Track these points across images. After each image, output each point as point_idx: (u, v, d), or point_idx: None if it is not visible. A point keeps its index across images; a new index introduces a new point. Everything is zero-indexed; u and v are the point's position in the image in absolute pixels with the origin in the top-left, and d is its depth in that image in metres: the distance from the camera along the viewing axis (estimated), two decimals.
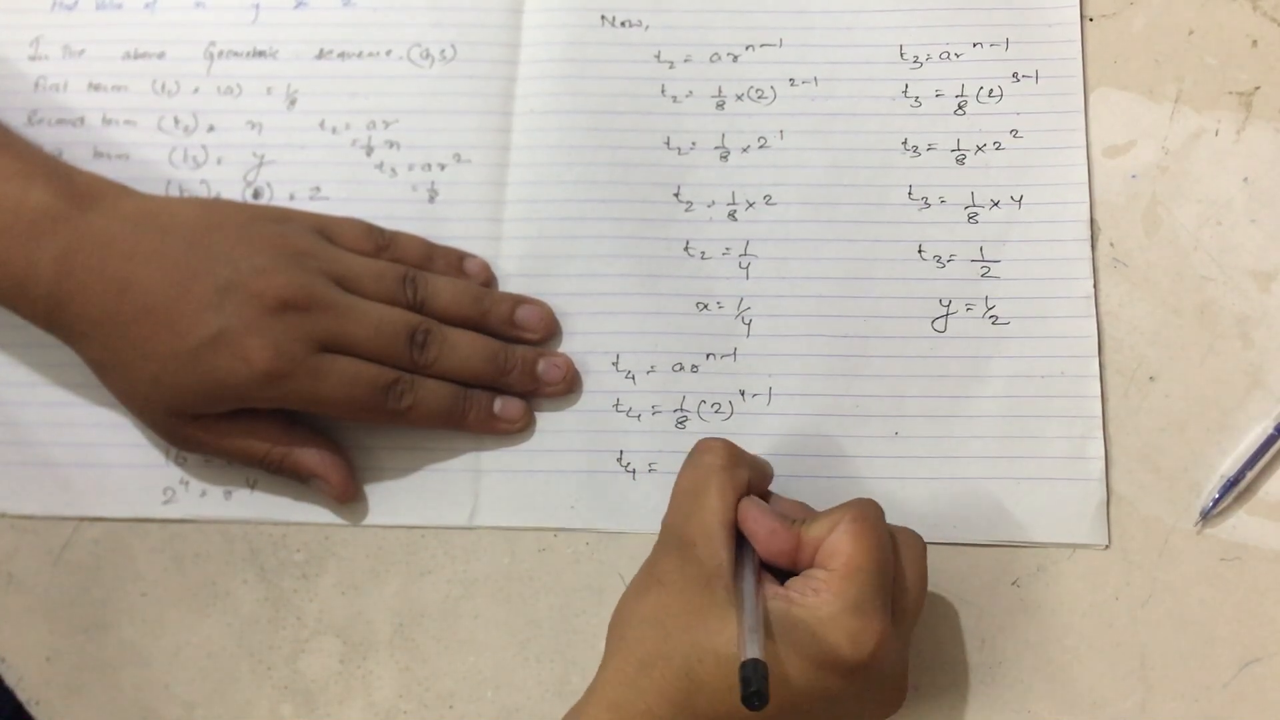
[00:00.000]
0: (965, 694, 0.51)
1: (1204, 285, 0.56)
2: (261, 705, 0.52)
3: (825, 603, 0.44)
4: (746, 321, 0.57)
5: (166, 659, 0.53)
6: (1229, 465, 0.53)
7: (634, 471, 0.55)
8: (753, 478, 0.48)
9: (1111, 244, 0.57)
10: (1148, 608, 0.52)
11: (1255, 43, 0.59)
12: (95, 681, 0.53)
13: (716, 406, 0.55)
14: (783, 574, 0.46)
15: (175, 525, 0.55)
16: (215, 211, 0.54)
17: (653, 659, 0.44)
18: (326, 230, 0.55)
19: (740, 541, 0.47)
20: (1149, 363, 0.55)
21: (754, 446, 0.53)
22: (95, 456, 0.56)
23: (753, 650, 0.41)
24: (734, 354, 0.56)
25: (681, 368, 0.56)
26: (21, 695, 0.53)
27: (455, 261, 0.57)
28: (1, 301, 0.53)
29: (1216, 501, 0.53)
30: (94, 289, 0.51)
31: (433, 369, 0.53)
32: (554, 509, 0.54)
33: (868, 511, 0.46)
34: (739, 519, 0.47)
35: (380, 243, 0.56)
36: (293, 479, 0.54)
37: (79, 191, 0.53)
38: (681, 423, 0.55)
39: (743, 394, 0.56)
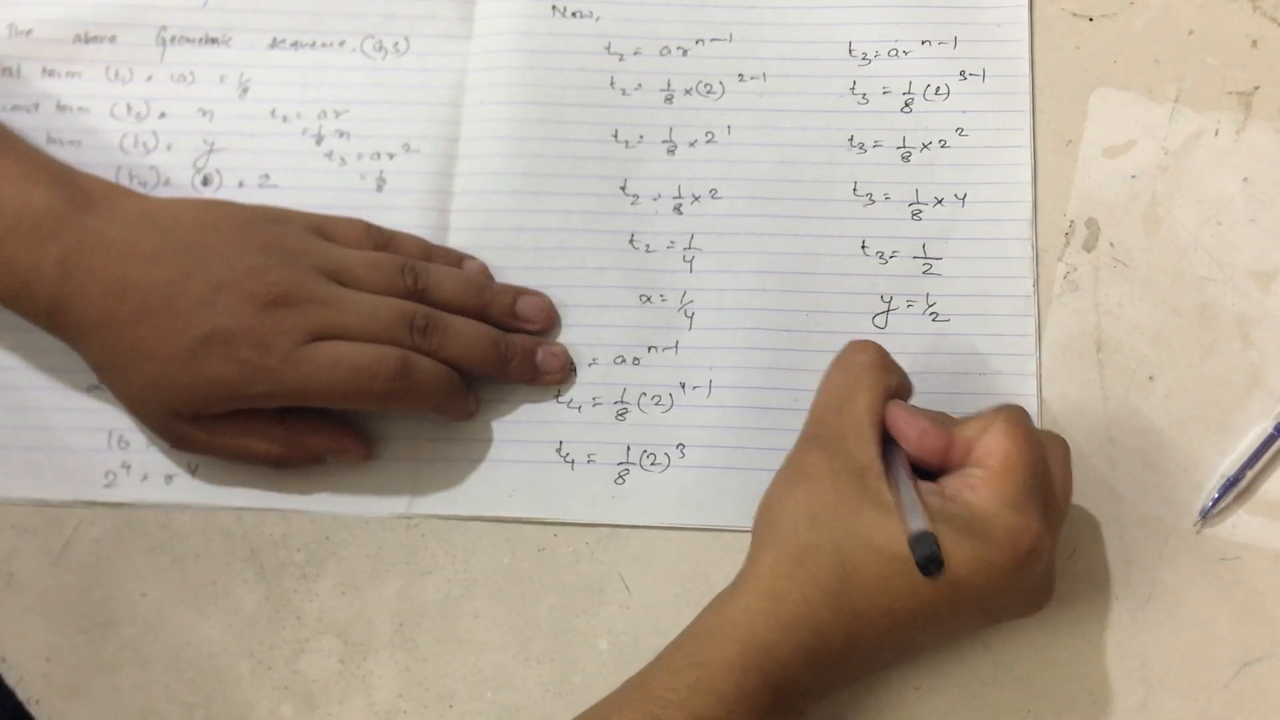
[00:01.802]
0: (965, 694, 0.51)
1: (1204, 285, 0.56)
2: (261, 705, 0.52)
3: (983, 499, 0.45)
4: (689, 314, 0.57)
5: (166, 659, 0.53)
6: (1229, 465, 0.53)
7: (573, 462, 0.55)
8: (899, 383, 0.49)
9: (1111, 244, 0.57)
10: (1148, 608, 0.52)
11: (1255, 43, 0.59)
12: (95, 681, 0.53)
13: (657, 399, 0.56)
14: (926, 476, 0.48)
15: (176, 525, 0.55)
16: (213, 212, 0.54)
17: (806, 551, 0.46)
18: (324, 229, 0.55)
19: (886, 441, 0.48)
20: (1149, 363, 0.55)
21: (694, 439, 0.55)
22: (38, 440, 0.56)
23: (917, 524, 0.42)
24: (675, 346, 0.56)
25: (623, 360, 0.56)
26: (21, 695, 0.53)
27: (455, 260, 0.57)
28: (4, 303, 0.53)
29: (1216, 501, 0.53)
30: (93, 290, 0.51)
31: (437, 355, 0.53)
32: (492, 498, 0.55)
33: (1020, 415, 0.47)
34: (888, 421, 0.48)
35: (379, 240, 0.56)
36: (307, 465, 0.54)
37: (81, 193, 0.53)
38: (621, 415, 0.56)
39: (683, 386, 0.56)
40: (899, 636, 0.46)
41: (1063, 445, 0.49)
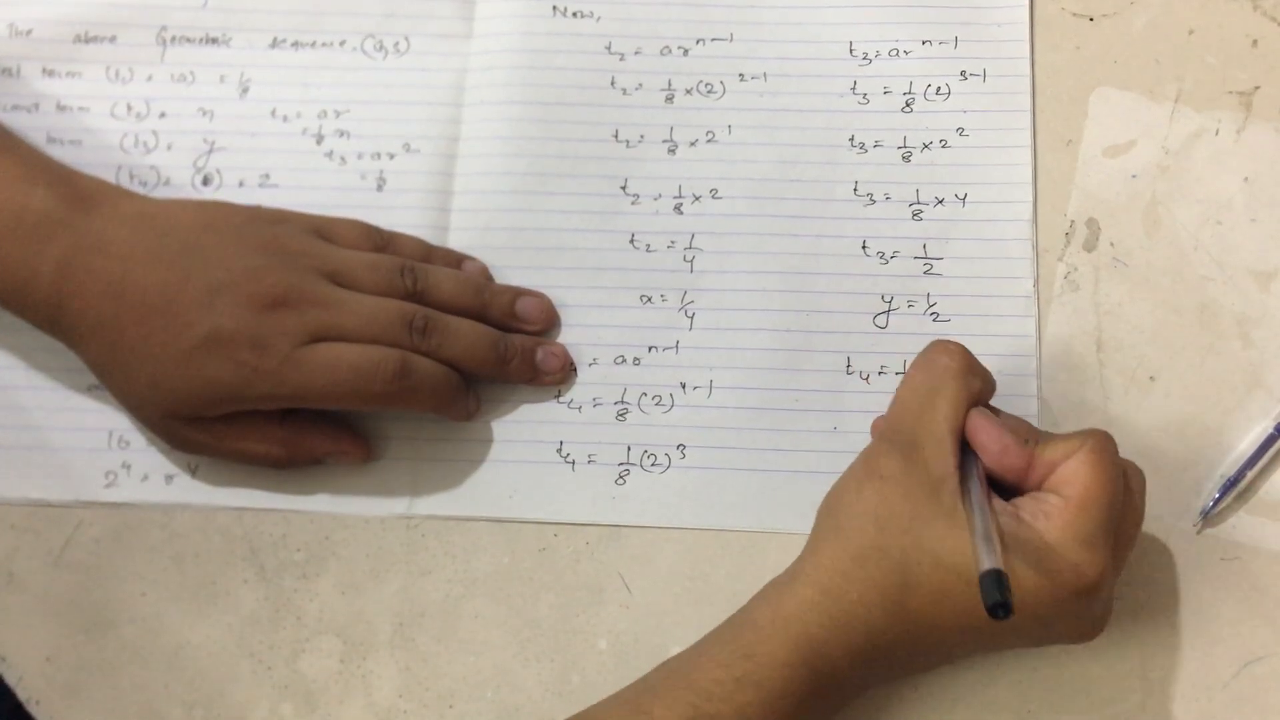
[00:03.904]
0: (965, 694, 0.51)
1: (1204, 285, 0.56)
2: (261, 705, 0.52)
3: (1056, 529, 0.44)
4: (689, 315, 0.57)
5: (166, 659, 0.53)
6: (1229, 465, 0.53)
7: (573, 463, 0.55)
8: (984, 388, 0.49)
9: (1111, 244, 0.57)
10: (1148, 608, 0.52)
11: (1255, 43, 0.59)
12: (95, 681, 0.53)
13: (657, 399, 0.56)
14: (1000, 488, 0.47)
15: (176, 525, 0.55)
16: (212, 213, 0.54)
17: (868, 552, 0.45)
18: (324, 230, 0.55)
19: (964, 450, 0.47)
20: (1149, 363, 0.55)
21: (694, 439, 0.55)
22: (38, 440, 0.56)
23: (991, 561, 0.42)
24: (676, 346, 0.56)
25: (624, 360, 0.56)
26: (21, 695, 0.53)
27: (454, 261, 0.57)
28: (4, 304, 0.53)
29: (1216, 501, 0.53)
30: (92, 291, 0.51)
31: (436, 356, 0.53)
32: (493, 499, 0.55)
33: (1107, 444, 0.46)
34: (968, 430, 0.47)
35: (378, 242, 0.56)
36: (307, 466, 0.54)
37: (80, 195, 0.53)
38: (622, 415, 0.56)
39: (684, 386, 0.56)
40: (946, 646, 0.46)
41: (1140, 476, 0.49)
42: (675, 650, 0.48)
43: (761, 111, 0.60)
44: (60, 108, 0.61)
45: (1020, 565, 0.44)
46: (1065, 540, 0.44)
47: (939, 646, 0.46)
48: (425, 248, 0.57)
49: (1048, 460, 0.46)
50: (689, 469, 0.55)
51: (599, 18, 0.62)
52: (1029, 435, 0.47)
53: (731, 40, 0.61)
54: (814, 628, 0.45)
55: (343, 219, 0.56)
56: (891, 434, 0.48)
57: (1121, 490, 0.46)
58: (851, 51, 0.61)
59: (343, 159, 0.60)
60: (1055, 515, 0.45)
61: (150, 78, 0.61)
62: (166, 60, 0.61)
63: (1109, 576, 0.45)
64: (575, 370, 0.56)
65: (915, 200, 0.58)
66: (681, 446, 0.55)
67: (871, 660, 0.45)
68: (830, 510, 0.48)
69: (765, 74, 0.60)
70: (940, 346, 0.49)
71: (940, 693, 0.51)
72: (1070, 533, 0.44)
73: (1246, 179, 0.57)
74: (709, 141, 0.60)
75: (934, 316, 0.56)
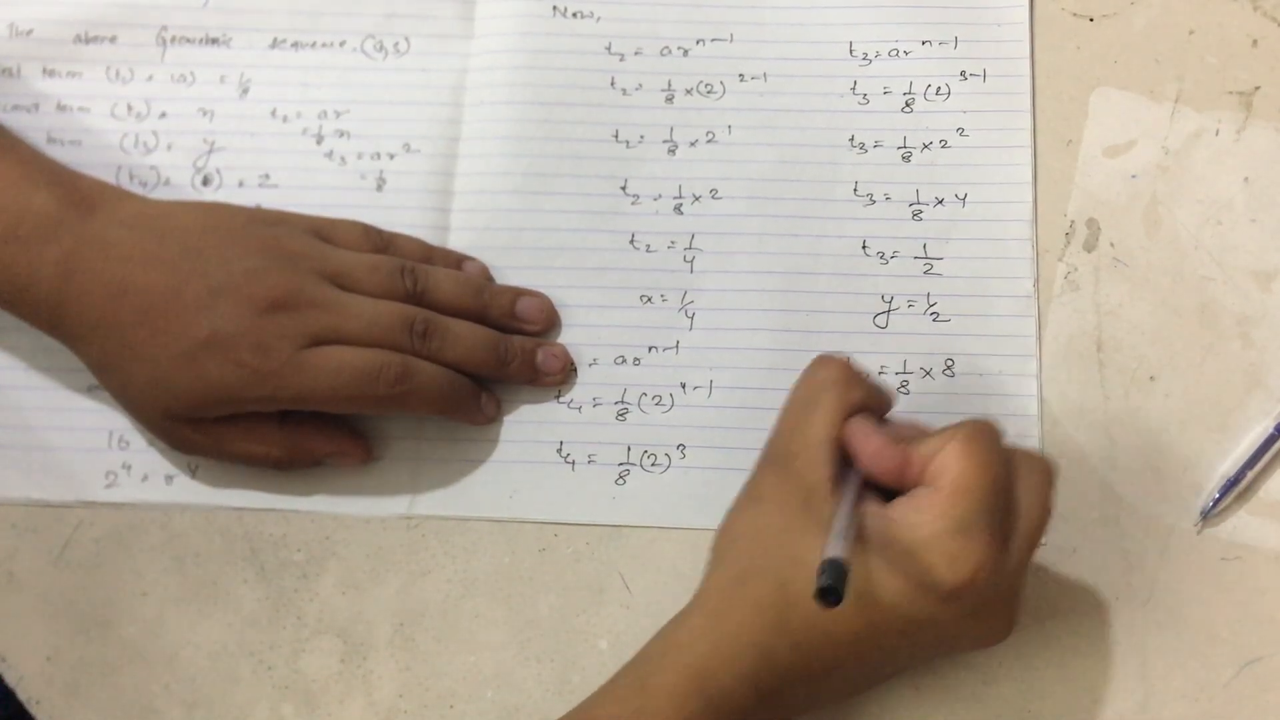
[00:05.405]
0: (966, 694, 0.51)
1: (1204, 285, 0.56)
2: (261, 705, 0.52)
3: (927, 522, 0.43)
4: (690, 315, 0.57)
5: (166, 659, 0.53)
6: (1229, 465, 0.53)
7: (574, 463, 0.55)
8: (868, 399, 0.47)
9: (1111, 244, 0.57)
10: (1148, 608, 0.52)
11: (1255, 43, 0.59)
12: (95, 681, 0.53)
13: (658, 399, 0.56)
14: (892, 497, 0.45)
15: (176, 525, 0.55)
16: (212, 215, 0.54)
17: (748, 573, 0.45)
18: (323, 231, 0.55)
19: (847, 461, 0.46)
20: (1149, 363, 0.55)
21: (694, 439, 0.55)
22: (38, 440, 0.56)
23: (834, 550, 0.40)
24: (676, 347, 0.56)
25: (624, 360, 0.56)
26: (21, 695, 0.53)
27: (454, 262, 0.57)
28: (5, 305, 0.53)
29: (1216, 501, 0.53)
30: (93, 293, 0.51)
31: (436, 359, 0.53)
32: (493, 499, 0.55)
33: (981, 430, 0.44)
34: (845, 437, 0.46)
35: (378, 243, 0.56)
36: (307, 467, 0.54)
37: (81, 197, 0.53)
38: (622, 415, 0.56)
39: (684, 386, 0.56)
40: (850, 663, 0.45)
41: (1041, 469, 0.46)
42: None
43: (761, 111, 0.60)
44: (60, 108, 0.61)
45: (891, 563, 0.42)
46: (938, 532, 0.42)
47: (839, 663, 0.44)
48: (425, 248, 0.57)
49: (923, 456, 0.44)
50: (689, 469, 0.55)
51: (599, 18, 0.62)
52: (914, 436, 0.46)
53: (731, 40, 0.61)
54: (703, 654, 0.44)
55: (342, 220, 0.56)
56: (770, 453, 0.48)
57: (1003, 477, 0.44)
58: (851, 52, 0.61)
59: (343, 159, 0.60)
60: (927, 508, 0.43)
61: (150, 78, 0.61)
62: (166, 60, 0.61)
63: (993, 567, 0.43)
64: (575, 370, 0.56)
65: (915, 200, 0.58)
66: (681, 446, 0.55)
67: (770, 684, 0.44)
68: (719, 538, 0.47)
69: (765, 74, 0.60)
70: (819, 361, 0.48)
71: (941, 692, 0.51)
72: (943, 523, 0.42)
73: (1246, 179, 0.57)
74: (709, 142, 0.60)
75: (934, 316, 0.56)
